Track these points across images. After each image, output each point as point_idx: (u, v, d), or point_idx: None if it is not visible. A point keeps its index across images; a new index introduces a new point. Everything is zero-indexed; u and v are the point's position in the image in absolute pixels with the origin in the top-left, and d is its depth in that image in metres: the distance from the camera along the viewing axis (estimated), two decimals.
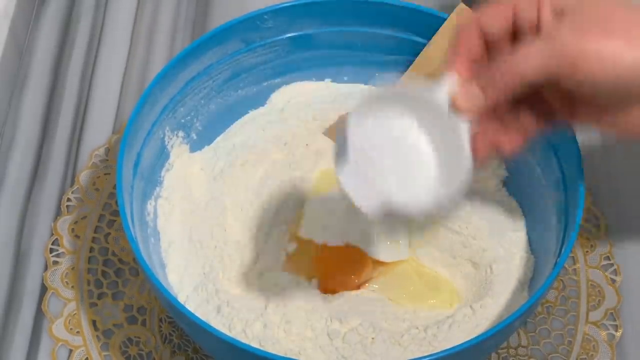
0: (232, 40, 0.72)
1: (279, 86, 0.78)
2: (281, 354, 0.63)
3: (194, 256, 0.70)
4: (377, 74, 0.78)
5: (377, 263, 0.70)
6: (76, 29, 0.89)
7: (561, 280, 0.75)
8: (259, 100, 0.77)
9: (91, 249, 0.76)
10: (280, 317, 0.65)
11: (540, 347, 0.72)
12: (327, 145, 0.75)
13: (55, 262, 0.75)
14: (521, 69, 0.54)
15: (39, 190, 0.79)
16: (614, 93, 0.55)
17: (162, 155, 0.72)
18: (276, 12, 0.72)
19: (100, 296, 0.74)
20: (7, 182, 0.80)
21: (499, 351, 0.72)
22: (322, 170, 0.74)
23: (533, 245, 0.71)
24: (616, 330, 0.73)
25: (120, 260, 0.75)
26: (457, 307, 0.68)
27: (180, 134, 0.74)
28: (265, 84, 0.77)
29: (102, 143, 0.82)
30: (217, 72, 0.73)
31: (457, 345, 0.58)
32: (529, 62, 0.54)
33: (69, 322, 0.73)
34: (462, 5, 0.72)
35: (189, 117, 0.74)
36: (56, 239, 0.76)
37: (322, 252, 0.70)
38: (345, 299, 0.67)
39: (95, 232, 0.77)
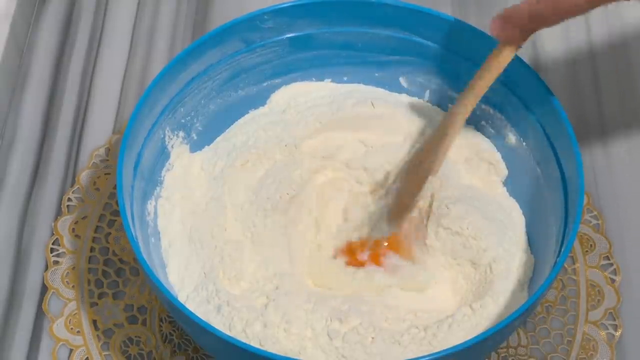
0: (232, 41, 0.72)
1: (279, 86, 0.78)
2: (281, 353, 0.63)
3: (194, 256, 0.70)
4: (377, 74, 0.78)
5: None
6: (76, 29, 0.89)
7: (561, 280, 0.75)
8: (259, 100, 0.77)
9: (92, 249, 0.76)
10: (280, 317, 0.66)
11: (539, 347, 0.72)
12: (327, 146, 0.76)
13: (56, 262, 0.75)
14: None
15: (40, 190, 0.79)
16: None
17: (163, 155, 0.72)
18: (276, 12, 0.72)
19: (100, 296, 0.74)
20: (8, 182, 0.80)
21: (499, 351, 0.72)
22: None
23: (533, 245, 0.71)
24: (615, 330, 0.73)
25: (120, 260, 0.76)
26: (457, 307, 0.68)
27: (181, 134, 0.74)
28: (265, 84, 0.77)
29: (102, 143, 0.82)
30: (217, 72, 0.73)
31: (457, 345, 0.58)
32: None
33: (69, 322, 0.73)
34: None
35: (189, 117, 0.74)
36: (57, 238, 0.77)
37: None
38: (345, 299, 0.68)
39: (95, 231, 0.77)
